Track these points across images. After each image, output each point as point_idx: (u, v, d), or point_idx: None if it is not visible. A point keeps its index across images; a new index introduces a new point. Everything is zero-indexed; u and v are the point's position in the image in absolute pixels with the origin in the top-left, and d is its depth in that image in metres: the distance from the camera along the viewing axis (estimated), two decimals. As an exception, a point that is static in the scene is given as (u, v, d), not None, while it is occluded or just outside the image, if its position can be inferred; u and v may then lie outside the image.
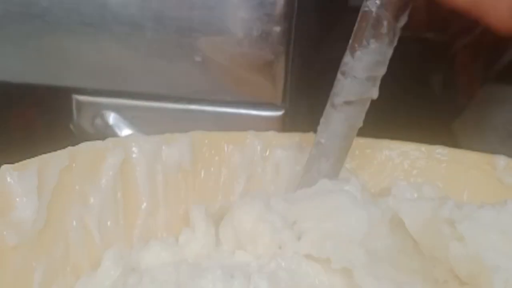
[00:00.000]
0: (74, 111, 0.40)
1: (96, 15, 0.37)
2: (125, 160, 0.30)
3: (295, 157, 0.32)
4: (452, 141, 0.33)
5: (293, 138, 0.33)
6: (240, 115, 0.39)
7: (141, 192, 0.30)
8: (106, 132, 0.39)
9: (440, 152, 0.32)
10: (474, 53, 0.49)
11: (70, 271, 0.27)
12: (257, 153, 0.32)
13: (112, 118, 0.40)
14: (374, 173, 0.33)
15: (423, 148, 0.33)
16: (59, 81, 0.39)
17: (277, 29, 0.36)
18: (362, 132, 0.33)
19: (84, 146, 0.29)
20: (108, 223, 0.29)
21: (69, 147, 0.28)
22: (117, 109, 0.40)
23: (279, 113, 0.39)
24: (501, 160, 0.31)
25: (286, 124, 0.39)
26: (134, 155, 0.30)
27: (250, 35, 0.36)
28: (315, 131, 0.33)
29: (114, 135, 0.39)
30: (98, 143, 0.29)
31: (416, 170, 0.33)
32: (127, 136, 0.31)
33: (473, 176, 0.32)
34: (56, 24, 0.37)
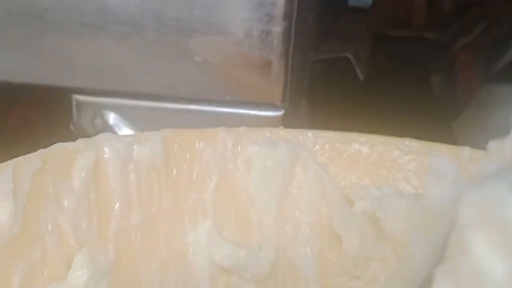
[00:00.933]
0: (74, 111, 0.40)
1: (96, 15, 0.37)
2: (97, 160, 0.29)
3: (266, 152, 0.32)
4: (452, 141, 0.33)
5: (264, 133, 0.33)
6: (240, 115, 0.39)
7: (114, 192, 0.30)
8: (106, 132, 0.39)
9: (408, 144, 0.33)
10: (474, 53, 0.49)
11: (47, 275, 0.27)
12: (229, 148, 0.32)
13: (112, 118, 0.40)
14: (344, 166, 0.33)
15: (392, 141, 0.33)
16: (59, 81, 0.39)
17: (277, 29, 0.36)
18: (359, 131, 0.33)
19: (55, 147, 0.29)
20: (83, 225, 0.29)
21: (41, 149, 0.28)
22: (117, 109, 0.40)
23: (279, 113, 0.39)
24: (466, 152, 0.31)
25: (286, 124, 0.39)
26: (106, 156, 0.30)
27: (250, 35, 0.36)
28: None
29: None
30: (70, 144, 0.29)
31: (387, 163, 0.33)
32: (98, 136, 0.30)
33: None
34: (56, 24, 0.37)
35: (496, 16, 0.51)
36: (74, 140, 0.30)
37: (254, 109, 0.39)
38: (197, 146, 0.32)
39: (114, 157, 0.30)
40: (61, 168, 0.29)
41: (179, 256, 0.31)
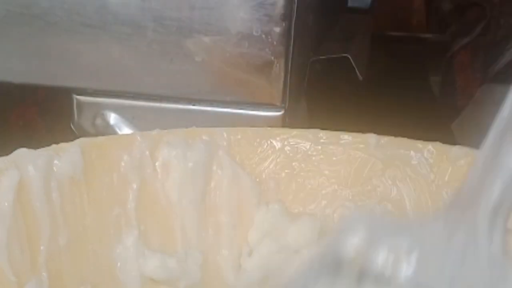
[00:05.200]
0: (75, 111, 0.40)
1: (97, 16, 0.37)
2: (20, 180, 0.27)
3: (184, 154, 0.32)
4: (451, 141, 0.33)
5: (179, 134, 0.32)
6: (240, 115, 0.39)
7: (39, 214, 0.28)
8: (106, 132, 0.39)
9: (318, 135, 0.33)
10: (473, 53, 0.49)
11: None
12: (145, 154, 0.31)
13: (112, 118, 0.40)
14: (258, 161, 0.33)
15: (303, 133, 0.33)
16: (60, 82, 0.39)
17: (277, 29, 0.36)
18: (359, 131, 0.33)
19: None
20: (17, 255, 0.27)
21: None
22: (117, 109, 0.40)
23: (279, 113, 0.39)
24: (372, 138, 0.33)
25: (286, 124, 0.39)
26: (28, 174, 0.28)
27: (250, 36, 0.37)
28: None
29: (115, 134, 0.39)
30: None
31: (299, 155, 0.33)
32: (16, 153, 0.28)
33: (352, 155, 0.33)
34: (56, 25, 0.37)
35: (495, 16, 0.51)
36: (74, 140, 0.30)
37: (254, 109, 0.39)
38: (114, 153, 0.31)
39: (36, 174, 0.28)
40: None
41: (108, 272, 0.30)
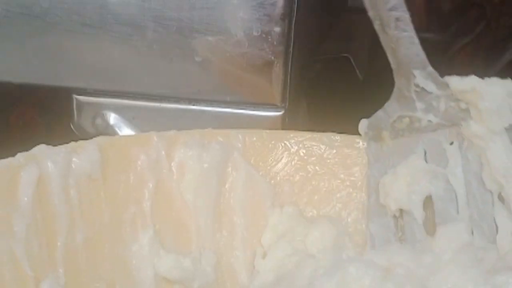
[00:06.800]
0: (75, 111, 0.40)
1: (97, 16, 0.37)
2: (40, 176, 0.28)
3: (199, 154, 0.32)
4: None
5: (195, 135, 0.33)
6: (240, 115, 0.39)
7: (58, 210, 0.28)
8: (106, 132, 0.39)
9: (333, 138, 0.33)
10: (473, 53, 0.49)
11: None
12: (161, 154, 0.32)
13: (112, 118, 0.40)
14: (273, 163, 0.33)
15: (317, 136, 0.33)
16: (60, 81, 0.39)
17: (277, 29, 0.36)
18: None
19: None
20: (35, 250, 0.27)
21: None
22: (117, 109, 0.40)
23: (279, 113, 0.39)
24: None
25: (286, 124, 0.39)
26: (47, 170, 0.28)
27: (250, 36, 0.37)
28: (315, 130, 0.34)
29: (115, 135, 0.39)
30: (10, 160, 0.28)
31: (314, 158, 0.33)
32: (36, 149, 0.29)
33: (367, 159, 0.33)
34: (56, 25, 0.37)
35: (495, 16, 0.51)
36: (74, 140, 0.30)
37: (254, 109, 0.39)
38: (131, 152, 0.31)
39: (55, 171, 0.29)
40: (6, 187, 0.27)
41: (124, 271, 0.30)
